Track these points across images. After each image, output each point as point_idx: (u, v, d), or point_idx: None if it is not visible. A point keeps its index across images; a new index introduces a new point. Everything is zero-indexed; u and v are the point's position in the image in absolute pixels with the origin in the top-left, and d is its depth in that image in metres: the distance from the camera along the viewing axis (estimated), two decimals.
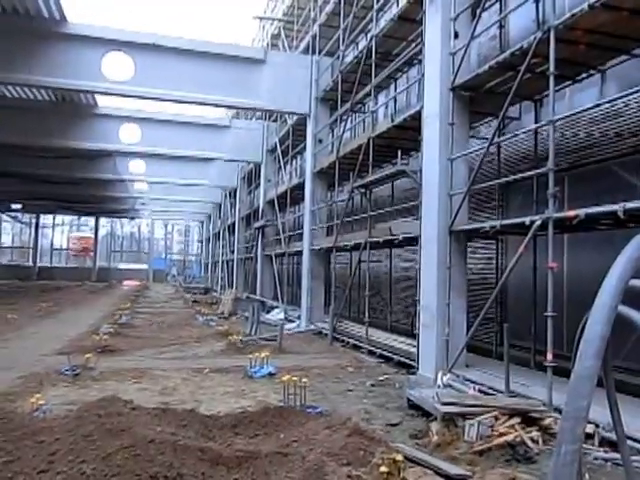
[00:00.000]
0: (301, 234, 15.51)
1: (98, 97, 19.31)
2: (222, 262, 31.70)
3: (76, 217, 48.82)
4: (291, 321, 15.34)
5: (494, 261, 9.61)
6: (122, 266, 51.19)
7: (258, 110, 19.89)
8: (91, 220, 48.45)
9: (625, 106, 7.02)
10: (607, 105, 6.89)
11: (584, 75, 7.45)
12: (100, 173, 25.61)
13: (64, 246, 51.71)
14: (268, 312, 17.57)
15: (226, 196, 30.39)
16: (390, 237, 9.58)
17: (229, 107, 19.10)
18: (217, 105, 15.95)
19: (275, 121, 20.81)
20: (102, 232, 51.10)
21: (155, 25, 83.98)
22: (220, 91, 14.18)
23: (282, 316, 16.27)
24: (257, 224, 21.18)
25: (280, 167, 19.21)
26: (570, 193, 8.00)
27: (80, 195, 32.59)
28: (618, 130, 7.16)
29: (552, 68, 5.83)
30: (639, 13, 5.55)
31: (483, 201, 10.01)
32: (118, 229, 55.69)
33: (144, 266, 51.30)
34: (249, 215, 24.73)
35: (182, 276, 46.44)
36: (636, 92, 5.91)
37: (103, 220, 48.95)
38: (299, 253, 16.49)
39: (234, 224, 27.46)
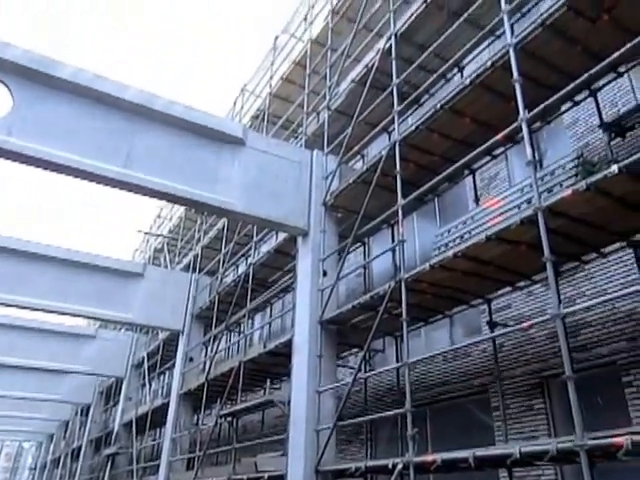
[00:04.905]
0: (158, 466, 13.71)
1: None
2: None
3: None
4: None
5: None
6: None
7: (130, 324, 19.15)
8: None
9: (471, 349, 7.81)
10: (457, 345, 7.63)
11: (435, 318, 8.30)
12: None
13: None
14: None
15: (77, 413, 26.82)
16: (255, 475, 8.82)
17: (98, 320, 18.19)
18: (85, 317, 15.12)
19: (147, 333, 20.01)
20: None
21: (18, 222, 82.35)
22: (90, 303, 13.38)
23: None
24: (108, 450, 18.54)
25: (144, 384, 17.90)
26: (432, 429, 8.21)
27: None
28: (465, 370, 7.82)
29: (404, 314, 6.39)
30: (470, 274, 6.54)
31: (352, 434, 9.90)
32: None
33: None
34: (100, 438, 21.69)
35: None
36: (477, 341, 6.67)
37: None
38: None
39: (80, 448, 23.76)
